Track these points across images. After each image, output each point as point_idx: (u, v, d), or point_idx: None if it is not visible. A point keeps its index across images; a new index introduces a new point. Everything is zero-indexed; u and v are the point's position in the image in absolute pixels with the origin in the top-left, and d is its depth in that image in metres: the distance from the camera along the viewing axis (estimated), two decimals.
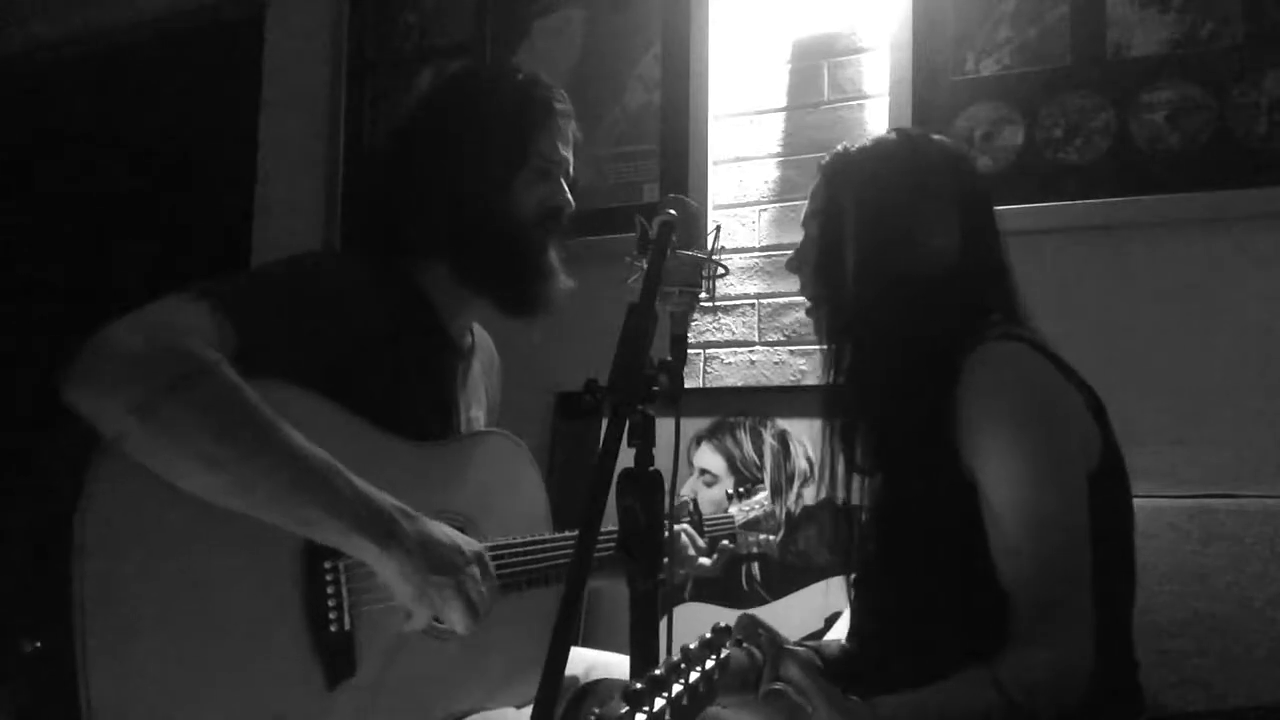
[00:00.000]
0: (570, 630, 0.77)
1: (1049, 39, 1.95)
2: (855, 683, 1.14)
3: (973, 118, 2.00)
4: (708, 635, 0.71)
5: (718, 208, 2.25)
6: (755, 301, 2.22)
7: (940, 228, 1.24)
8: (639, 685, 0.61)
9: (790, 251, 1.37)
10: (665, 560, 0.89)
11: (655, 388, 0.91)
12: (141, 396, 1.02)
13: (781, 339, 2.18)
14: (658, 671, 0.63)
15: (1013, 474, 1.10)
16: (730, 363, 2.23)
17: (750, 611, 1.98)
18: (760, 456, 2.08)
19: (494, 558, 1.24)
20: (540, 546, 1.33)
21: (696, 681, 0.66)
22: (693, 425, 2.15)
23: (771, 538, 1.70)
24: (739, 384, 2.21)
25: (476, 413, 1.49)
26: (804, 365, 2.14)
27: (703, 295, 1.09)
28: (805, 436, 2.05)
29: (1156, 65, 1.86)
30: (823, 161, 1.33)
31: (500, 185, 1.36)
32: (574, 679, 1.43)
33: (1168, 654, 1.55)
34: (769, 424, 2.10)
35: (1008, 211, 1.87)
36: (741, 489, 1.78)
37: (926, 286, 1.22)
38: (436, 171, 1.36)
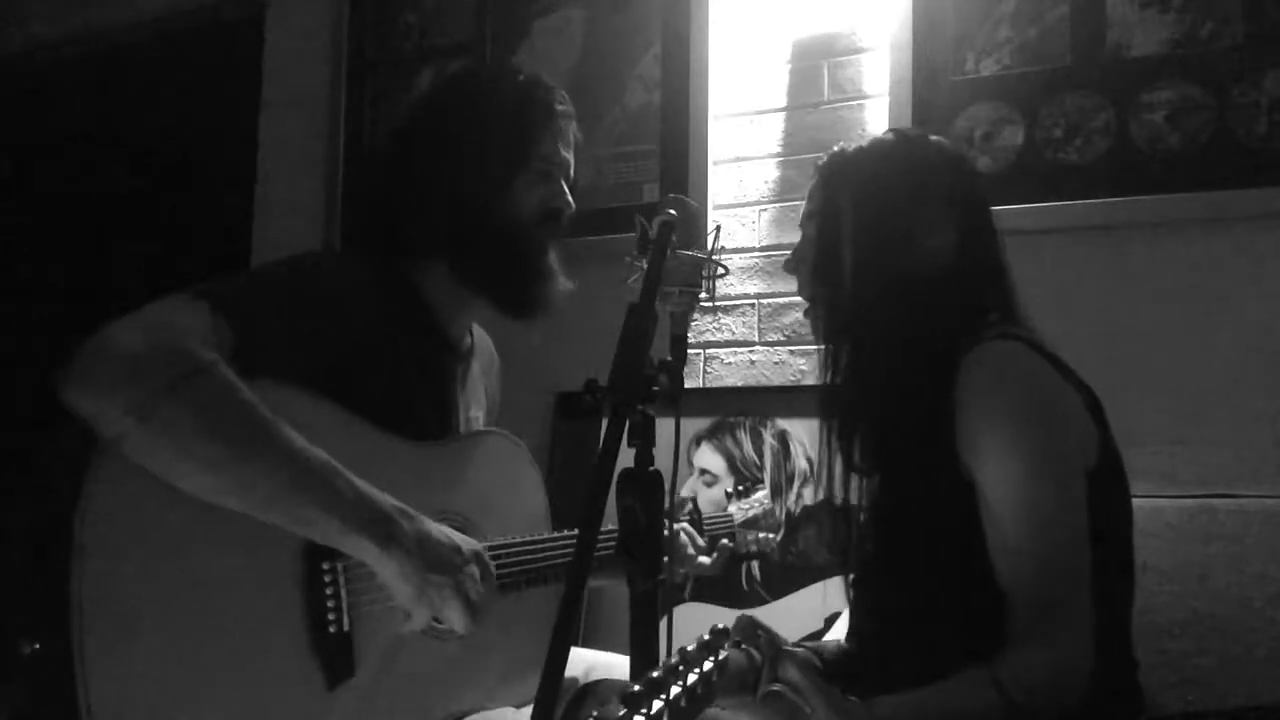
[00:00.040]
0: (570, 630, 0.77)
1: (1049, 39, 1.95)
2: (854, 683, 1.14)
3: (973, 118, 2.00)
4: (706, 637, 0.71)
5: (718, 208, 2.25)
6: (755, 301, 2.22)
7: (937, 228, 1.24)
8: (637, 687, 0.61)
9: (790, 252, 1.37)
10: (665, 559, 0.89)
11: (655, 388, 0.91)
12: (140, 397, 1.02)
13: (781, 339, 2.18)
14: (655, 674, 0.63)
15: (1011, 473, 1.10)
16: (730, 363, 2.23)
17: (750, 611, 1.98)
18: (760, 456, 2.08)
19: (493, 557, 1.24)
20: (539, 546, 1.33)
21: (695, 683, 0.66)
22: (693, 425, 2.15)
23: (771, 536, 1.70)
24: (739, 384, 2.21)
25: (476, 413, 1.49)
26: (804, 365, 2.14)
27: (703, 295, 1.09)
28: (805, 436, 2.05)
29: (1156, 65, 1.86)
30: (820, 162, 1.33)
31: (501, 187, 1.36)
32: (573, 680, 1.43)
33: (1168, 654, 1.55)
34: (769, 424, 2.10)
35: (1008, 211, 1.88)
36: (740, 488, 1.78)
37: (924, 286, 1.22)
38: (437, 173, 1.36)
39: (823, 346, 1.29)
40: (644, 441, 0.90)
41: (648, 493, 0.89)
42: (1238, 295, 1.79)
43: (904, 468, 1.23)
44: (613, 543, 0.92)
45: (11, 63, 3.41)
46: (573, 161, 1.43)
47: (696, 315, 1.68)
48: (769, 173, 2.22)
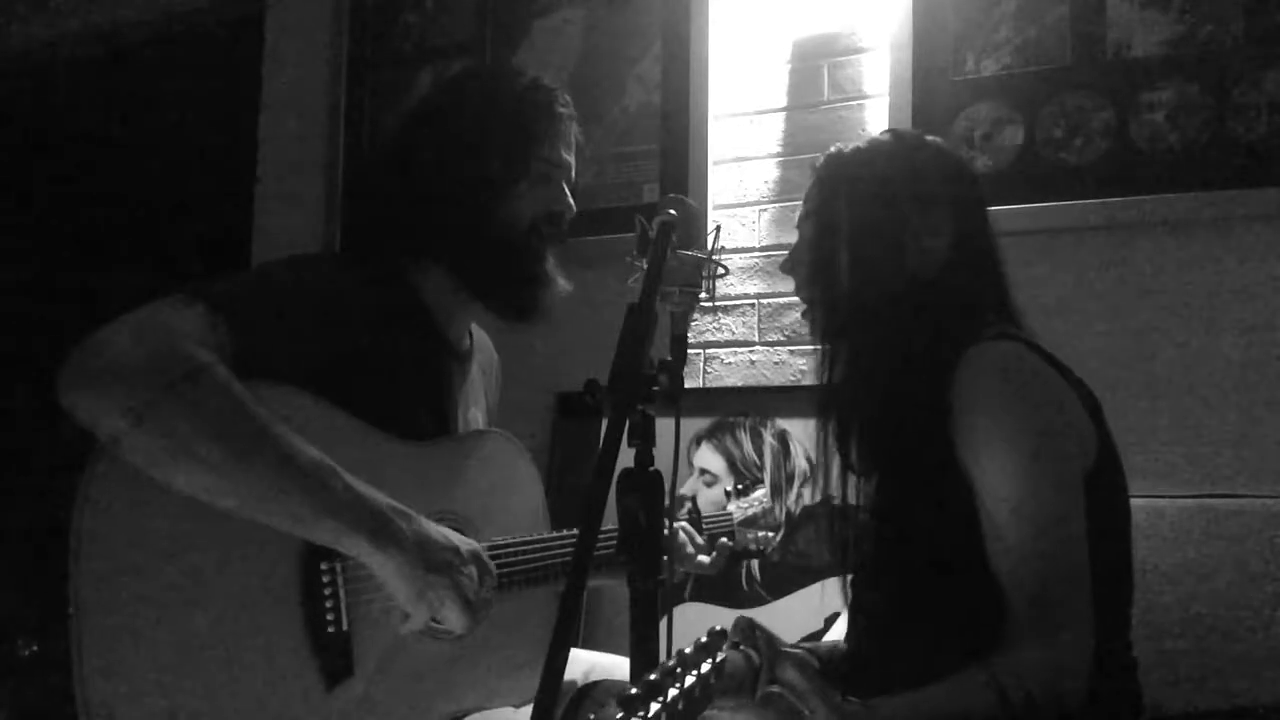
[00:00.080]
0: (570, 630, 0.77)
1: (1049, 39, 1.95)
2: (853, 684, 1.14)
3: (973, 118, 2.00)
4: (703, 639, 0.70)
5: (718, 208, 2.25)
6: (755, 301, 2.22)
7: (934, 228, 1.24)
8: (634, 690, 0.60)
9: (788, 252, 1.37)
10: (664, 559, 0.89)
11: (655, 388, 0.91)
12: (136, 399, 1.02)
13: (781, 339, 2.18)
14: (653, 676, 0.63)
15: (1009, 473, 1.10)
16: (730, 363, 2.23)
17: (750, 611, 1.98)
18: (760, 456, 2.08)
19: (492, 557, 1.24)
20: (538, 546, 1.33)
21: (692, 686, 0.66)
22: (693, 425, 2.15)
23: (770, 534, 1.70)
24: (739, 384, 2.21)
25: (475, 413, 1.49)
26: (804, 365, 2.14)
27: (703, 295, 1.09)
28: (805, 436, 2.05)
29: (1156, 65, 1.86)
30: (816, 163, 1.33)
31: (501, 190, 1.36)
32: (572, 683, 1.43)
33: (1168, 654, 1.55)
34: (769, 424, 2.10)
35: (1008, 211, 1.88)
36: (740, 486, 1.78)
37: (920, 287, 1.22)
38: (437, 175, 1.35)
39: (820, 347, 1.29)
40: (644, 441, 0.90)
41: (648, 493, 0.89)
42: (1238, 295, 1.79)
43: (902, 468, 1.23)
44: (613, 543, 0.92)
45: (11, 62, 3.41)
46: (574, 164, 1.43)
47: (696, 315, 1.68)
48: (769, 173, 2.22)
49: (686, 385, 1.31)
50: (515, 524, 1.38)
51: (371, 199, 1.53)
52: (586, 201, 1.50)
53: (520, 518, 1.41)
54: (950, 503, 1.14)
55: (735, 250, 2.22)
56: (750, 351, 2.22)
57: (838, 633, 1.50)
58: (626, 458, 0.89)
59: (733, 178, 2.26)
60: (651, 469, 0.90)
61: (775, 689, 1.03)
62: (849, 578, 1.32)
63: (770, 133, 2.22)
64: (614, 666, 1.49)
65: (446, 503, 1.30)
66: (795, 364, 2.16)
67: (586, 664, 1.49)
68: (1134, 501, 1.24)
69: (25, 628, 1.02)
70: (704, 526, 1.61)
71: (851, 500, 1.29)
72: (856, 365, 1.25)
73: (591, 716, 0.59)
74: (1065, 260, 1.91)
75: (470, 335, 1.51)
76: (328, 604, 1.15)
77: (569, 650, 0.76)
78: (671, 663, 0.66)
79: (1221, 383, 1.78)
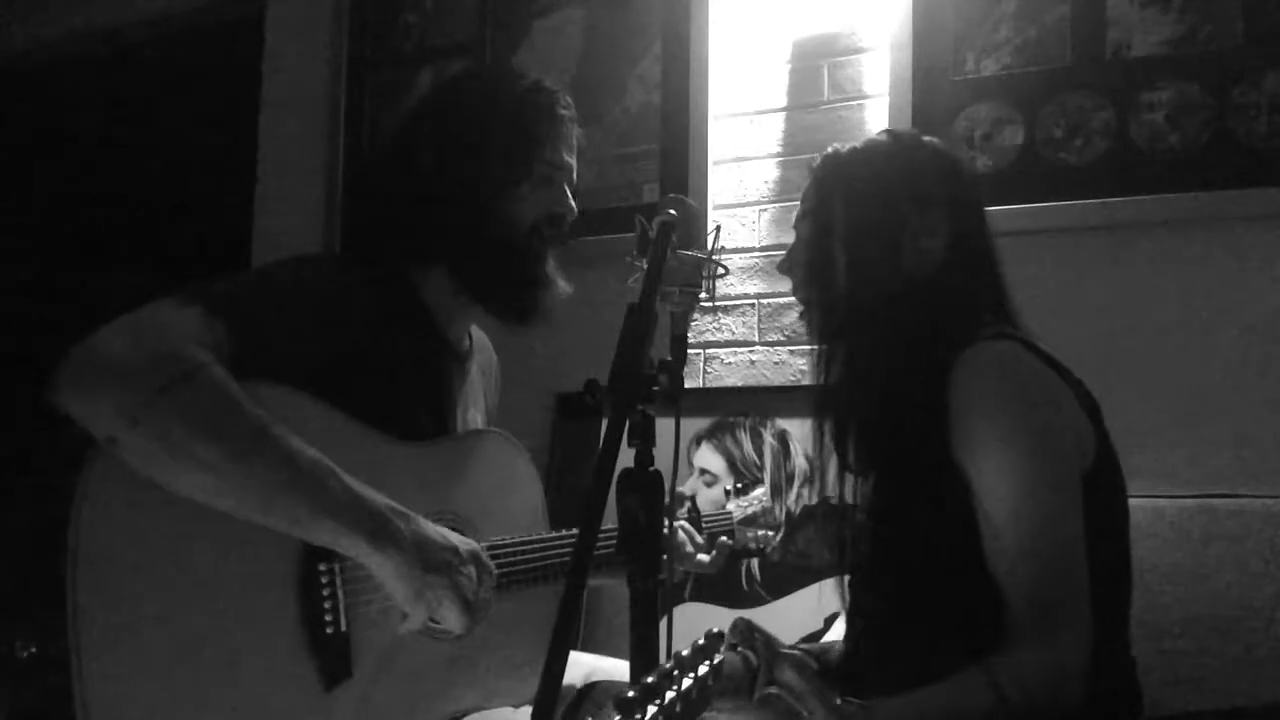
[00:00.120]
0: (570, 630, 0.76)
1: (1049, 39, 1.95)
2: (851, 685, 1.14)
3: (973, 118, 2.00)
4: (700, 641, 0.70)
5: (718, 208, 2.25)
6: (755, 301, 2.22)
7: (931, 228, 1.24)
8: (631, 693, 0.60)
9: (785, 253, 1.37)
10: (664, 558, 0.89)
11: (655, 388, 0.91)
12: (132, 400, 1.02)
13: (781, 339, 2.18)
14: (650, 679, 0.63)
15: (1007, 473, 1.10)
16: (730, 363, 2.23)
17: (750, 611, 1.98)
18: (760, 456, 2.08)
19: (491, 557, 1.24)
20: (538, 546, 1.33)
21: (690, 688, 0.66)
22: (693, 425, 2.15)
23: (769, 533, 1.70)
24: (739, 384, 2.21)
25: (474, 414, 1.49)
26: (804, 365, 2.14)
27: (703, 295, 1.09)
28: (805, 436, 2.05)
29: (1156, 65, 1.86)
30: (813, 163, 1.33)
31: (503, 192, 1.35)
32: (571, 688, 1.43)
33: (1168, 654, 1.55)
34: (769, 424, 2.10)
35: (1008, 211, 1.89)
36: (739, 485, 1.78)
37: (917, 287, 1.22)
38: (438, 177, 1.35)
39: (817, 347, 1.29)
40: (644, 441, 0.90)
41: (648, 493, 0.89)
42: (1238, 295, 1.79)
43: (899, 469, 1.23)
44: (613, 542, 0.92)
45: (12, 62, 3.41)
46: (576, 166, 1.43)
47: (696, 315, 1.68)
48: (769, 173, 2.22)
49: (686, 385, 1.31)
50: (514, 524, 1.38)
51: (372, 199, 1.53)
52: (587, 201, 1.50)
53: (519, 518, 1.41)
54: (948, 503, 1.13)
55: (735, 250, 2.22)
56: (750, 351, 2.22)
57: (837, 633, 1.50)
58: (626, 458, 0.89)
59: (733, 178, 2.26)
60: (651, 469, 0.90)
61: (773, 690, 1.03)
62: (846, 578, 1.32)
63: (770, 133, 2.22)
64: (614, 670, 1.49)
65: (445, 503, 1.30)
66: (795, 364, 2.16)
67: (586, 667, 1.49)
68: (1134, 501, 1.24)
69: (24, 629, 1.02)
70: (703, 525, 1.61)
71: (849, 500, 1.29)
72: (853, 365, 1.25)
73: (589, 719, 0.59)
74: (1065, 260, 1.91)
75: (470, 336, 1.51)
76: (326, 604, 1.15)
77: (569, 650, 0.76)
78: (669, 665, 0.66)
79: (1221, 383, 1.78)
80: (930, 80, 2.02)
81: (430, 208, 1.35)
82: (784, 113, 2.21)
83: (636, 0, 2.37)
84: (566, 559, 1.33)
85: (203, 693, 1.06)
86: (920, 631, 1.15)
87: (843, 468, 1.28)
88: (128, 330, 1.08)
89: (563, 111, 1.40)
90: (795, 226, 1.35)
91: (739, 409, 2.14)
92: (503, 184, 1.35)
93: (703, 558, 1.57)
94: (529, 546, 1.32)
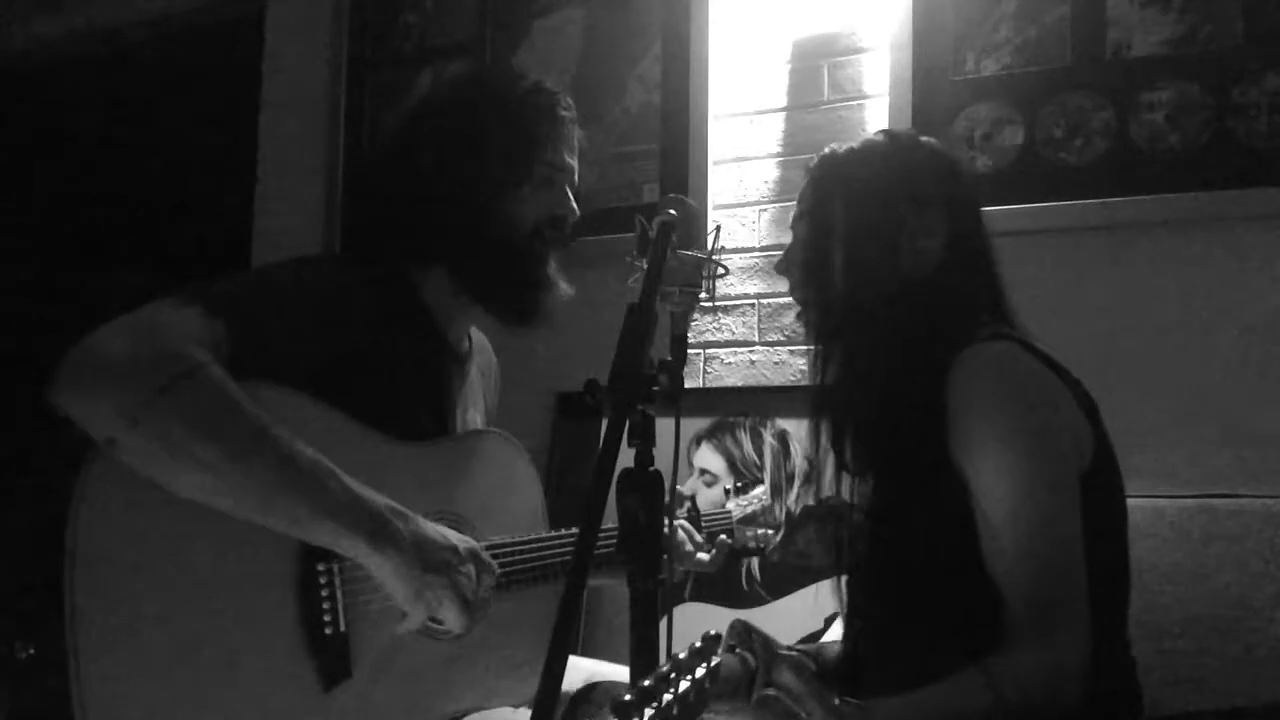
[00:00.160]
0: (570, 630, 0.76)
1: (1049, 39, 1.95)
2: (850, 685, 1.14)
3: (973, 118, 2.00)
4: (698, 644, 0.70)
5: (718, 208, 2.25)
6: (755, 301, 2.22)
7: (928, 229, 1.24)
8: (628, 696, 0.60)
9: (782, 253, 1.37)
10: (665, 558, 0.89)
11: (655, 388, 0.91)
12: (131, 400, 1.02)
13: (781, 339, 2.18)
14: (647, 682, 0.63)
15: (1004, 474, 1.10)
16: (730, 363, 2.23)
17: (751, 610, 1.98)
18: (760, 456, 2.08)
19: (491, 556, 1.24)
20: (537, 545, 1.33)
21: (687, 690, 0.66)
22: (693, 425, 2.15)
23: (769, 532, 1.70)
24: (739, 384, 2.21)
25: (474, 415, 1.49)
26: (804, 365, 2.14)
27: (703, 295, 1.09)
28: (805, 436, 2.05)
29: (1156, 65, 1.86)
30: (810, 163, 1.33)
31: (503, 193, 1.35)
32: (569, 693, 1.43)
33: (1168, 654, 1.55)
34: (769, 424, 2.10)
35: (1008, 211, 1.89)
36: (739, 484, 1.78)
37: (914, 287, 1.22)
38: (439, 179, 1.35)
39: (814, 348, 1.29)
40: (644, 441, 0.90)
41: (648, 493, 0.89)
42: (1238, 295, 1.79)
43: (897, 469, 1.23)
44: (613, 541, 0.92)
45: (12, 62, 3.41)
46: (577, 167, 1.43)
47: (696, 315, 1.68)
48: (769, 173, 2.22)
49: (686, 385, 1.31)
50: (514, 524, 1.38)
51: (372, 200, 1.53)
52: (587, 202, 1.49)
53: (519, 517, 1.41)
54: (946, 504, 1.13)
55: (735, 250, 2.22)
56: (750, 351, 2.22)
57: (837, 633, 1.50)
58: (626, 458, 0.89)
59: (733, 178, 2.25)
60: (651, 469, 0.90)
61: (771, 692, 1.03)
62: (844, 579, 1.32)
63: (770, 133, 2.22)
64: (613, 674, 1.49)
65: (445, 503, 1.30)
66: (795, 364, 2.16)
67: (586, 672, 1.49)
68: (1134, 501, 1.24)
69: (23, 630, 1.02)
70: (703, 524, 1.61)
71: (847, 501, 1.29)
72: (851, 365, 1.25)
73: None
74: (1065, 260, 1.90)
75: (469, 338, 1.51)
76: (325, 605, 1.15)
77: (569, 650, 0.76)
78: (666, 668, 0.65)
79: (1222, 383, 1.78)
80: (930, 80, 2.02)
81: (430, 208, 1.35)
82: (784, 113, 2.21)
83: (636, 0, 2.37)
84: (566, 558, 1.33)
85: (201, 693, 1.06)
86: (918, 632, 1.15)
87: (840, 468, 1.28)
88: (127, 330, 1.08)
89: (563, 113, 1.40)
90: (792, 227, 1.35)
91: (739, 409, 2.14)
92: (503, 185, 1.35)
93: (702, 556, 1.57)
94: (528, 546, 1.32)
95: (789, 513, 1.95)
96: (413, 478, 1.26)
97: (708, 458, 2.13)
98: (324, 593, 1.15)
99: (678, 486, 1.33)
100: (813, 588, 1.95)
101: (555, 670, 0.73)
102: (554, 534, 1.36)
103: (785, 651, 1.19)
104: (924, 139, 1.33)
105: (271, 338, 1.16)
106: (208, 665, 1.06)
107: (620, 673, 1.50)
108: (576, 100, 1.45)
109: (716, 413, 2.15)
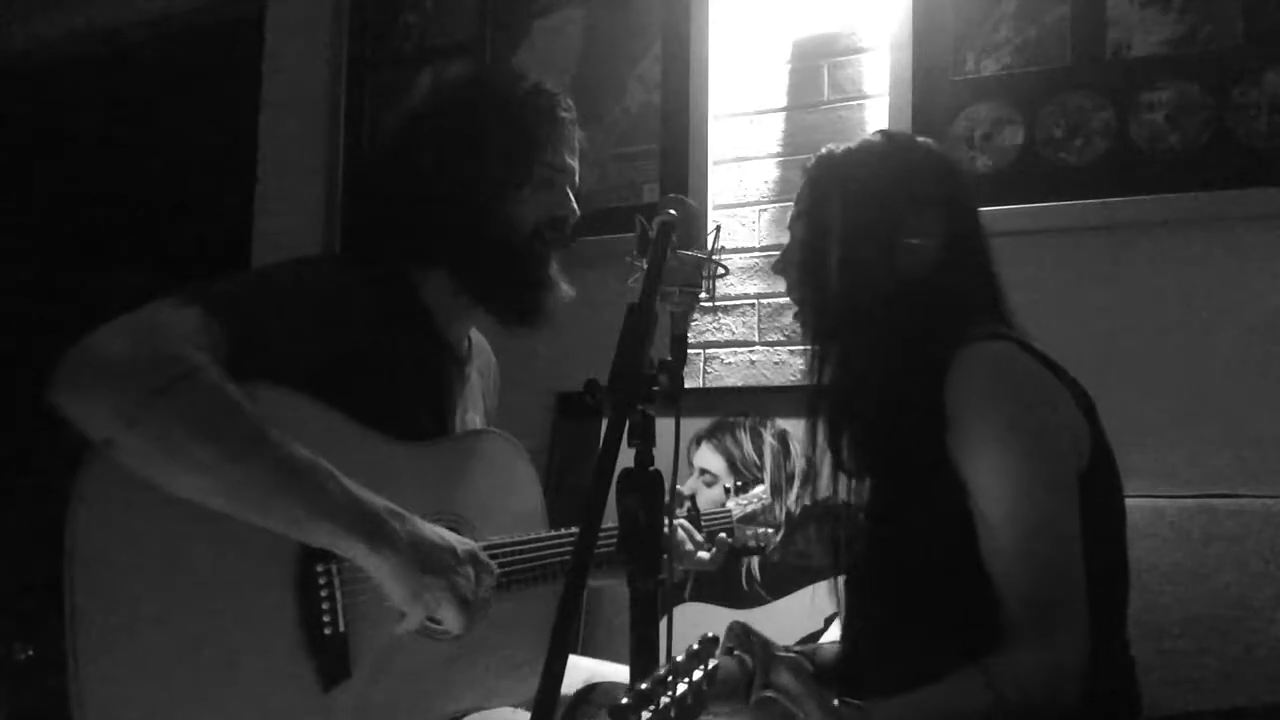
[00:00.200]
0: (570, 629, 0.76)
1: (1049, 39, 1.95)
2: (849, 686, 1.14)
3: (973, 118, 2.00)
4: (695, 646, 0.70)
5: (718, 208, 2.25)
6: (755, 301, 2.22)
7: (925, 229, 1.24)
8: (625, 700, 0.60)
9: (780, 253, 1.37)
10: (665, 557, 0.89)
11: (655, 388, 0.90)
12: (129, 401, 1.02)
13: (781, 339, 2.18)
14: (644, 685, 0.62)
15: (1002, 474, 1.10)
16: (730, 363, 2.23)
17: (751, 610, 1.98)
18: (760, 456, 2.08)
19: (490, 557, 1.24)
20: (537, 545, 1.33)
21: (685, 693, 0.66)
22: (693, 425, 2.15)
23: (769, 531, 1.70)
24: (739, 384, 2.21)
25: (473, 416, 1.49)
26: (804, 365, 2.14)
27: (703, 295, 1.09)
28: (803, 436, 2.05)
29: (1156, 65, 1.86)
30: (808, 164, 1.33)
31: (504, 194, 1.35)
32: (569, 695, 1.43)
33: (1168, 654, 1.55)
34: (769, 424, 2.10)
35: (1008, 211, 1.89)
36: (739, 483, 1.78)
37: (911, 288, 1.22)
38: (439, 178, 1.35)
39: (811, 347, 1.29)
40: (644, 441, 0.90)
41: (648, 493, 0.89)
42: (1238, 295, 1.79)
43: (895, 469, 1.23)
44: (613, 541, 0.92)
45: (13, 62, 3.41)
46: (577, 168, 1.43)
47: (696, 315, 1.68)
48: (769, 173, 2.22)
49: (686, 385, 1.31)
50: (514, 524, 1.38)
51: (372, 200, 1.53)
52: (587, 202, 1.49)
53: (519, 518, 1.41)
54: (943, 504, 1.13)
55: (735, 250, 2.22)
56: (750, 351, 2.22)
57: (836, 633, 1.50)
58: (626, 458, 0.89)
59: (733, 178, 2.25)
60: (651, 469, 0.90)
61: (769, 693, 1.03)
62: (842, 579, 1.32)
63: (770, 133, 2.22)
64: (614, 675, 1.49)
65: (445, 503, 1.30)
66: (795, 364, 2.16)
67: (586, 672, 1.49)
68: (1134, 501, 1.24)
69: (22, 631, 1.02)
70: (703, 523, 1.61)
71: (844, 500, 1.29)
72: (848, 366, 1.25)
73: None
74: (1065, 260, 1.90)
75: (469, 339, 1.51)
76: (324, 605, 1.15)
77: (569, 650, 0.76)
78: (663, 671, 0.65)
79: (1222, 383, 1.78)
80: (930, 80, 2.02)
81: (430, 208, 1.35)
82: (784, 113, 2.21)
83: (636, 0, 2.37)
84: (566, 558, 1.33)
85: (201, 694, 1.06)
86: (917, 632, 1.15)
87: (837, 468, 1.28)
88: (126, 331, 1.08)
89: (563, 114, 1.40)
90: (790, 227, 1.35)
91: (739, 409, 2.14)
92: (503, 185, 1.35)
93: (703, 555, 1.57)
94: (528, 546, 1.32)
95: (789, 513, 1.95)
96: (412, 478, 1.26)
97: (708, 458, 2.13)
98: (323, 593, 1.15)
99: (678, 486, 1.33)
100: (812, 588, 1.95)
101: (555, 670, 0.73)
102: (554, 534, 1.36)
103: (783, 653, 1.19)
104: (921, 139, 1.33)
105: (271, 338, 1.16)
106: (207, 665, 1.06)
107: (620, 673, 1.50)
108: (576, 100, 1.45)
109: (716, 413, 2.15)
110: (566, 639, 0.75)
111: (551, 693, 0.72)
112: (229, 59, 2.97)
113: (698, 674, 0.69)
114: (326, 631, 1.14)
